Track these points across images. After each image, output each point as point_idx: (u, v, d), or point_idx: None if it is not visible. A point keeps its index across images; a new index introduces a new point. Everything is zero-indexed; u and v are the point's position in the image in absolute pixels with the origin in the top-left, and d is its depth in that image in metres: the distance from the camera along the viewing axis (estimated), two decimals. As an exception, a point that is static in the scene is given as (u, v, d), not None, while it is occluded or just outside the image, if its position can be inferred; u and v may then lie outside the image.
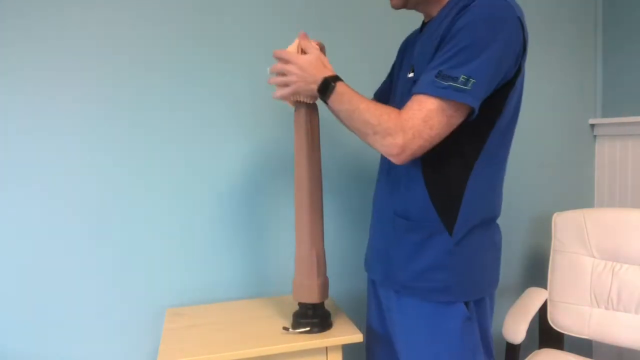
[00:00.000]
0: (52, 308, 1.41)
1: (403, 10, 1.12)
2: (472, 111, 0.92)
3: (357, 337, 1.19)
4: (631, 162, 1.80)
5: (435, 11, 1.05)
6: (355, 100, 0.98)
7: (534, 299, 1.63)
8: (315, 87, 1.02)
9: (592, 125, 1.93)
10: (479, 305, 1.06)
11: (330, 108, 1.03)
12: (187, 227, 1.50)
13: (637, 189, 1.78)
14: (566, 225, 1.66)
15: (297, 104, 1.16)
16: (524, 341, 1.44)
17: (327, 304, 1.28)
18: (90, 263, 1.43)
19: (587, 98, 1.92)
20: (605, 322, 1.55)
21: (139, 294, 1.47)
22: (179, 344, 1.18)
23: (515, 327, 1.45)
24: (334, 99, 1.00)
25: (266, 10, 1.53)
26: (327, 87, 1.00)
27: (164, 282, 1.49)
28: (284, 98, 1.11)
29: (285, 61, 1.06)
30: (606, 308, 1.57)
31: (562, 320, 1.62)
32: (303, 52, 1.08)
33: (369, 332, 1.26)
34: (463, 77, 0.87)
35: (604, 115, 1.91)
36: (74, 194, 1.41)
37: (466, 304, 1.03)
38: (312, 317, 1.21)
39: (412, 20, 1.22)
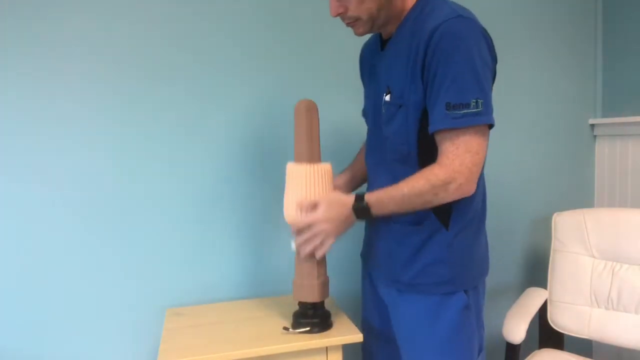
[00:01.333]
0: (52, 308, 1.41)
1: None
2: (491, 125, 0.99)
3: (357, 337, 1.19)
4: (631, 162, 1.80)
5: (393, 29, 1.08)
6: (395, 193, 1.01)
7: (534, 299, 1.63)
8: (352, 219, 1.06)
9: (592, 125, 1.93)
10: (475, 292, 1.12)
11: (378, 216, 1.05)
12: (187, 227, 1.50)
13: (637, 189, 1.78)
14: (566, 225, 1.66)
15: (297, 103, 1.16)
16: (524, 341, 1.44)
17: (327, 304, 1.28)
18: (90, 263, 1.43)
19: (587, 98, 1.92)
20: (605, 322, 1.55)
21: (139, 294, 1.47)
22: (179, 344, 1.18)
23: (515, 327, 1.45)
24: (376, 210, 1.03)
25: (259, 13, 1.54)
26: (362, 211, 1.04)
27: (164, 282, 1.49)
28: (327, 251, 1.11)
29: (312, 223, 1.06)
30: (606, 308, 1.57)
31: (562, 320, 1.62)
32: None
33: (365, 328, 1.27)
34: (473, 102, 0.93)
35: (604, 115, 1.91)
36: (73, 194, 1.41)
37: (465, 292, 1.08)
38: (312, 317, 1.21)
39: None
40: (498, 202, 1.83)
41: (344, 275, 1.64)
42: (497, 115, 1.89)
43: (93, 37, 1.40)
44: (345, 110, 1.59)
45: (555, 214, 1.70)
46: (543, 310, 1.65)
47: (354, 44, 1.62)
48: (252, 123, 1.54)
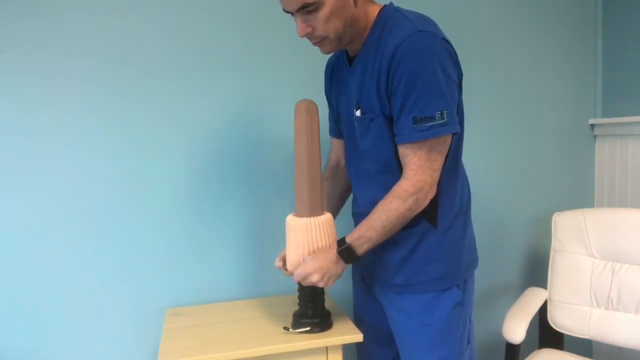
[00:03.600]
0: (53, 308, 1.41)
1: None
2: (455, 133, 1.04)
3: (357, 337, 1.19)
4: (631, 162, 1.80)
5: (359, 46, 1.10)
6: (374, 222, 1.05)
7: (534, 299, 1.63)
8: (342, 265, 1.09)
9: (592, 125, 1.93)
10: (465, 286, 1.16)
11: (367, 251, 1.08)
12: (187, 227, 1.50)
13: (637, 189, 1.78)
14: (566, 225, 1.66)
15: (297, 103, 1.16)
16: (524, 341, 1.44)
17: (327, 304, 1.28)
18: (90, 263, 1.43)
19: (587, 98, 1.92)
20: (605, 322, 1.55)
21: (139, 294, 1.47)
22: (179, 344, 1.18)
23: (515, 327, 1.45)
24: (360, 248, 1.07)
25: (259, 12, 1.54)
26: (347, 252, 1.07)
27: (164, 282, 1.49)
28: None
29: (304, 277, 1.09)
30: (606, 308, 1.57)
31: (562, 320, 1.62)
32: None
33: (358, 323, 1.28)
34: (438, 114, 0.97)
35: (604, 115, 1.91)
36: (73, 195, 1.41)
37: (457, 287, 1.13)
38: (312, 317, 1.21)
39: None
40: (498, 202, 1.83)
41: (344, 275, 1.63)
42: (496, 115, 1.90)
43: (87, 40, 1.40)
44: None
45: (555, 214, 1.70)
46: (543, 310, 1.65)
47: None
48: (252, 123, 1.54)
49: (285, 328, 1.21)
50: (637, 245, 1.54)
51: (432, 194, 1.04)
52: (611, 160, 1.88)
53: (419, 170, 1.01)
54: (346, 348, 1.23)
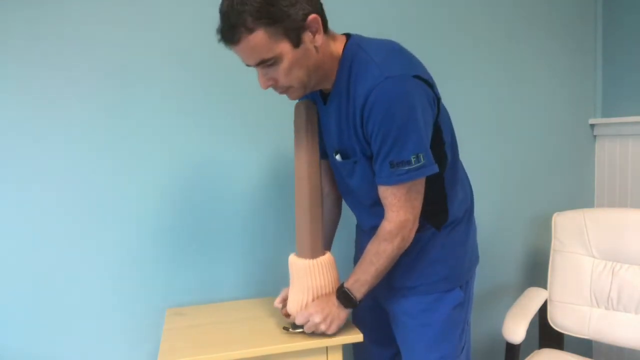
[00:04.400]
0: (52, 308, 1.41)
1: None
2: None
3: (357, 337, 1.19)
4: (631, 162, 1.80)
5: (329, 85, 1.08)
6: (367, 267, 1.08)
7: (534, 299, 1.63)
8: (344, 309, 1.13)
9: (592, 125, 1.93)
10: (467, 286, 1.19)
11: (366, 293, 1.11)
12: (187, 227, 1.50)
13: (637, 189, 1.78)
14: (566, 225, 1.66)
15: (297, 104, 1.16)
16: (524, 341, 1.44)
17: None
18: (90, 263, 1.43)
19: (587, 98, 1.92)
20: (605, 322, 1.55)
21: (139, 294, 1.47)
22: (179, 344, 1.18)
23: (515, 327, 1.45)
24: (358, 292, 1.10)
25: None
26: (347, 299, 1.10)
27: (164, 282, 1.49)
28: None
29: (307, 319, 1.13)
30: (606, 308, 1.57)
31: (562, 320, 1.62)
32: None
33: (356, 322, 1.28)
34: (413, 157, 0.98)
35: (604, 115, 1.91)
36: (73, 195, 1.41)
37: (460, 287, 1.16)
38: (312, 317, 1.22)
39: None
40: (498, 202, 1.83)
41: (344, 275, 1.64)
42: (497, 115, 1.90)
43: (90, 43, 1.40)
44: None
45: (555, 214, 1.70)
46: (543, 310, 1.65)
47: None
48: (252, 123, 1.54)
49: (285, 328, 1.21)
50: (637, 245, 1.54)
51: (416, 226, 1.07)
52: (611, 160, 1.88)
53: (400, 211, 1.03)
54: (346, 348, 1.23)
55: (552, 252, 1.68)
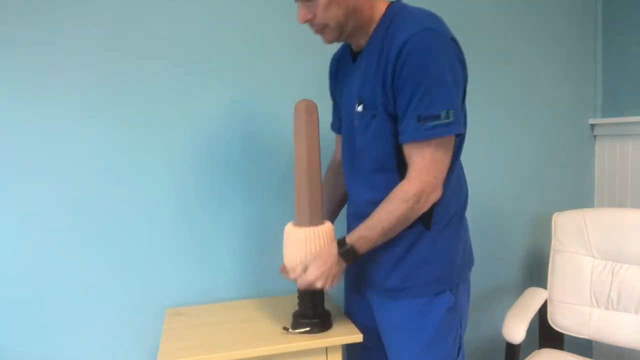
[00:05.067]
0: (52, 308, 1.41)
1: None
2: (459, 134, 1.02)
3: (357, 337, 1.19)
4: (631, 162, 1.80)
5: (364, 41, 1.09)
6: (375, 224, 1.03)
7: (534, 299, 1.63)
8: (343, 265, 1.08)
9: (592, 125, 1.93)
10: (457, 289, 1.13)
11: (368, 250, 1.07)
12: (187, 227, 1.50)
13: (637, 189, 1.78)
14: (566, 225, 1.66)
15: (297, 104, 1.16)
16: (524, 341, 1.44)
17: (327, 304, 1.28)
18: (90, 263, 1.43)
19: (587, 98, 1.92)
20: (605, 322, 1.55)
21: (139, 294, 1.47)
22: (179, 344, 1.18)
23: (515, 327, 1.45)
24: (361, 248, 1.05)
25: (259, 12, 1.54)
26: (348, 254, 1.06)
27: (164, 282, 1.49)
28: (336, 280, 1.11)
29: (308, 284, 1.08)
30: (606, 308, 1.57)
31: (562, 320, 1.62)
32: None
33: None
34: (444, 113, 0.95)
35: (604, 115, 1.91)
36: (73, 194, 1.41)
37: (450, 291, 1.11)
38: (312, 317, 1.21)
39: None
40: (498, 202, 1.83)
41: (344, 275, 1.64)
42: (497, 115, 1.90)
43: (88, 38, 1.40)
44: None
45: (555, 214, 1.70)
46: (543, 310, 1.65)
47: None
48: (252, 123, 1.54)
49: (285, 328, 1.21)
50: (637, 245, 1.54)
51: (435, 196, 1.02)
52: (611, 160, 1.88)
53: (423, 171, 0.99)
54: (346, 348, 1.23)
55: (552, 252, 1.68)
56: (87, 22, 1.39)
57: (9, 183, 1.36)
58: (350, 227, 1.26)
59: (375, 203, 1.06)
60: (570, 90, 1.89)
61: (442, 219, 1.09)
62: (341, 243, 1.07)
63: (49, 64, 1.37)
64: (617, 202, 1.86)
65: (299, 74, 1.57)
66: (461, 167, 1.18)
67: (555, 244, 1.68)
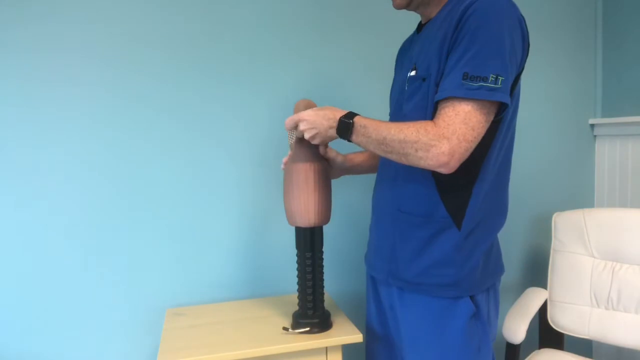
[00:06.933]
0: (52, 308, 1.41)
1: (402, 18, 1.12)
2: (502, 106, 0.93)
3: (357, 337, 1.19)
4: (631, 162, 1.80)
5: (434, 12, 1.06)
6: (382, 127, 0.96)
7: (534, 299, 1.63)
8: (333, 132, 1.02)
9: (592, 125, 1.93)
10: (485, 295, 1.07)
11: (358, 144, 1.01)
12: (187, 227, 1.50)
13: (637, 189, 1.78)
14: (566, 225, 1.66)
15: (297, 103, 1.16)
16: (524, 341, 1.44)
17: (327, 304, 1.28)
18: (90, 263, 1.43)
19: (587, 98, 1.92)
20: (605, 322, 1.55)
21: (139, 294, 1.47)
22: (179, 344, 1.18)
23: (515, 327, 1.45)
24: (356, 134, 0.99)
25: (267, 19, 1.54)
26: (345, 126, 1.00)
27: (164, 282, 1.49)
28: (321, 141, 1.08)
29: (295, 122, 1.06)
30: (606, 308, 1.57)
31: (562, 320, 1.62)
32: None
33: (368, 332, 1.26)
34: (492, 76, 0.88)
35: (604, 115, 1.91)
36: (73, 194, 1.41)
37: (471, 297, 1.04)
38: (312, 317, 1.21)
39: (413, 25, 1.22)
40: (498, 202, 1.83)
41: (344, 275, 1.64)
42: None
43: (92, 38, 1.40)
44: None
45: (555, 214, 1.70)
46: (543, 310, 1.65)
47: (355, 47, 1.62)
48: (252, 123, 1.54)
49: (285, 328, 1.21)
50: (637, 245, 1.54)
51: (444, 162, 0.90)
52: (611, 160, 1.88)
53: (449, 127, 0.89)
54: (346, 348, 1.23)
55: (552, 252, 1.68)
56: (95, 22, 1.39)
57: (10, 183, 1.36)
58: (375, 191, 1.22)
59: (393, 172, 1.05)
60: (570, 90, 1.89)
61: (474, 219, 1.02)
62: (349, 115, 1.01)
63: (48, 69, 1.37)
64: (617, 202, 1.86)
65: (299, 74, 1.57)
66: (508, 177, 1.09)
67: (555, 244, 1.68)
